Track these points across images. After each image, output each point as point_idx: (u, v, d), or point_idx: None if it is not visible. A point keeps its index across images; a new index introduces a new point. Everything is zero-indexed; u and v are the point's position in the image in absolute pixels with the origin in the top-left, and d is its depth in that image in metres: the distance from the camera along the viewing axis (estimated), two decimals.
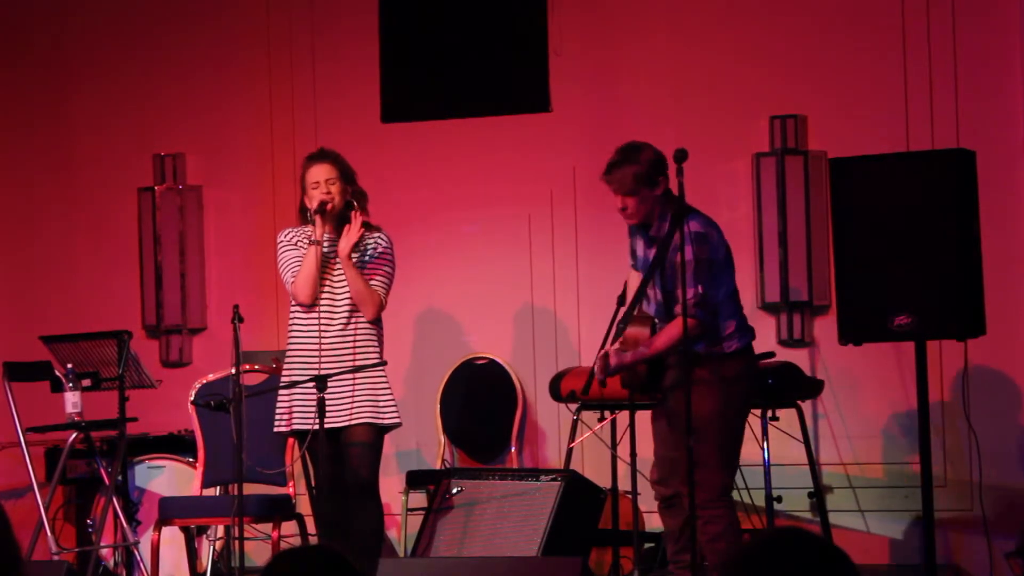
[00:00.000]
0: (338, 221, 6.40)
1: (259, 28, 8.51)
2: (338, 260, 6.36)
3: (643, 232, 6.07)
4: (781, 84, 7.72)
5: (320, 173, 6.39)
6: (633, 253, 6.22)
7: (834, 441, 7.61)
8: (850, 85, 7.64)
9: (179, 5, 8.66)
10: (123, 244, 8.62)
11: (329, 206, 6.33)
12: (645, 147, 6.00)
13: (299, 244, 6.43)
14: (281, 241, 6.49)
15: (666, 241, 5.87)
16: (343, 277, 6.35)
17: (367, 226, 6.43)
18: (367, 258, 6.39)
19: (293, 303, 6.43)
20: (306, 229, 6.44)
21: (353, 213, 6.34)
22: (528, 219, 8.12)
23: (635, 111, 7.93)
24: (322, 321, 6.33)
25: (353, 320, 6.34)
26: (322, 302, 6.35)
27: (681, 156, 5.80)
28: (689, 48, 7.89)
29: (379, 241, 6.43)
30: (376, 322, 6.39)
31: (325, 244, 6.34)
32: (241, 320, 6.22)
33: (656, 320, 5.97)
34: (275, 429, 6.44)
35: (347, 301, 6.35)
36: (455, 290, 8.18)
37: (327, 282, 6.37)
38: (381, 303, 6.37)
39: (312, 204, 6.34)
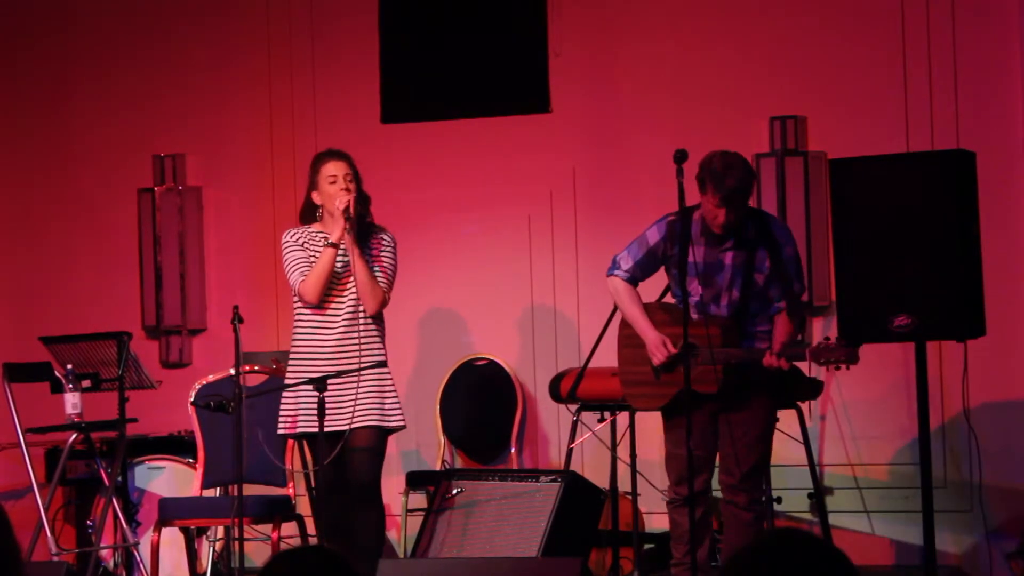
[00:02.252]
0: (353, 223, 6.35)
1: (259, 29, 8.50)
2: (344, 261, 6.32)
3: (710, 235, 6.00)
4: (781, 84, 7.72)
5: (339, 168, 6.32)
6: (648, 263, 6.16)
7: (833, 442, 7.61)
8: (850, 85, 7.64)
9: (179, 6, 8.66)
10: (123, 244, 8.62)
11: (352, 209, 6.28)
12: (742, 163, 5.94)
13: (307, 246, 6.37)
14: (286, 241, 6.43)
15: (758, 243, 6.00)
16: (348, 279, 6.31)
17: (372, 226, 6.40)
18: (371, 255, 6.35)
19: (296, 305, 6.39)
20: (311, 230, 6.39)
21: (350, 210, 6.28)
22: (528, 219, 8.11)
23: (635, 111, 7.93)
24: (324, 322, 6.30)
25: (357, 319, 6.31)
26: (328, 305, 6.32)
27: (681, 157, 5.81)
28: (689, 48, 7.88)
29: (383, 239, 6.40)
30: (378, 320, 6.37)
31: (341, 249, 6.29)
32: (241, 321, 6.21)
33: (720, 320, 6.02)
34: (279, 431, 6.42)
35: (350, 303, 6.32)
36: (455, 290, 8.18)
37: (334, 284, 6.34)
38: (384, 298, 6.33)
39: (334, 200, 6.24)
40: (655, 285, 6.33)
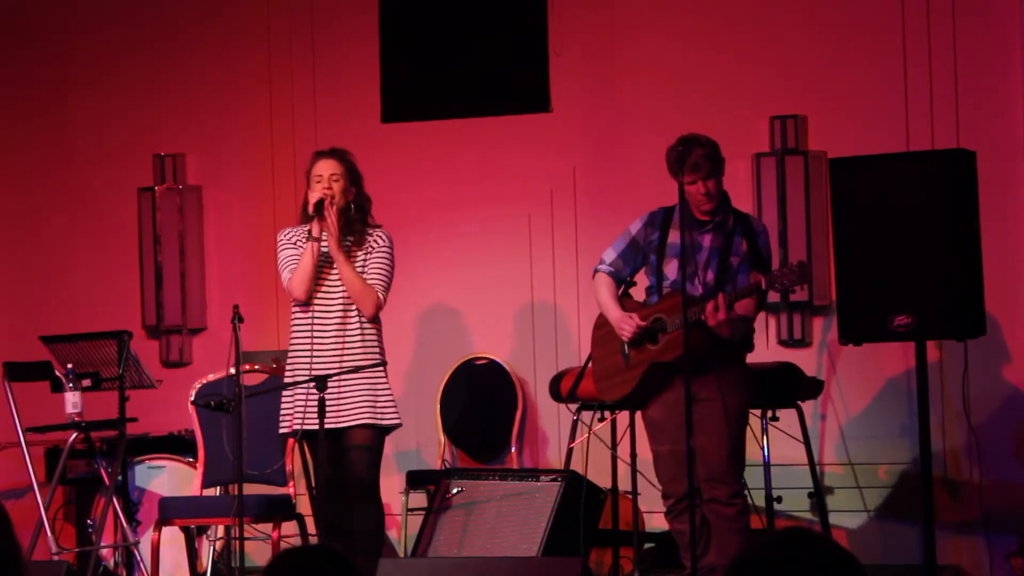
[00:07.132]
0: (341, 222, 6.35)
1: (259, 28, 8.50)
2: (327, 254, 6.32)
3: (691, 219, 6.02)
4: (781, 84, 7.72)
5: (326, 168, 6.35)
6: (630, 253, 6.20)
7: (833, 442, 7.61)
8: (850, 85, 7.64)
9: (179, 5, 8.66)
10: (123, 244, 8.62)
11: (327, 202, 6.28)
12: (700, 136, 6.08)
13: (297, 243, 6.40)
14: (280, 240, 6.47)
15: (736, 229, 6.01)
16: (336, 278, 6.32)
17: (368, 225, 6.40)
18: (366, 256, 6.36)
19: (293, 303, 6.41)
20: (306, 228, 6.41)
21: (325, 206, 6.27)
22: (528, 219, 8.12)
23: (635, 111, 7.93)
24: (316, 320, 6.31)
25: (350, 319, 6.31)
26: (316, 301, 6.33)
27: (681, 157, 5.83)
28: (689, 48, 7.89)
29: (379, 239, 6.40)
30: (375, 321, 6.37)
31: (324, 243, 6.31)
32: (241, 320, 6.22)
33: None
34: (280, 431, 6.42)
35: (341, 300, 6.32)
36: (455, 290, 8.18)
37: (323, 281, 6.34)
38: (379, 301, 6.32)
39: (312, 199, 6.31)
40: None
